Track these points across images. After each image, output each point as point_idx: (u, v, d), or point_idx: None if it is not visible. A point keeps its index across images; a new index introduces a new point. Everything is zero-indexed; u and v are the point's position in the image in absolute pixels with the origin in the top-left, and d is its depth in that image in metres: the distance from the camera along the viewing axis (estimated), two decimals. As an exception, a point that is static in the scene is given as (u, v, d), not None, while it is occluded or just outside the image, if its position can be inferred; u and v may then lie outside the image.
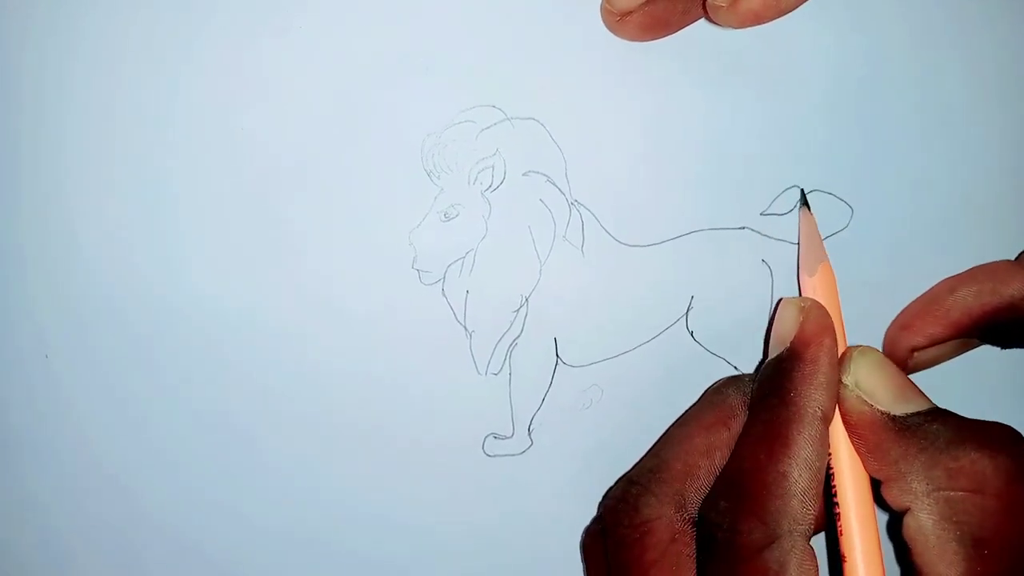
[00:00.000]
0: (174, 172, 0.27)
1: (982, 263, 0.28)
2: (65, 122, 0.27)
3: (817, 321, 0.24)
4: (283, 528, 0.29)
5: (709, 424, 0.25)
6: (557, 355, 0.28)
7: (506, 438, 0.28)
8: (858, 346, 0.25)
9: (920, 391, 0.24)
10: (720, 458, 0.24)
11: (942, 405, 0.29)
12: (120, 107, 0.27)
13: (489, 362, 0.28)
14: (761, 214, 0.28)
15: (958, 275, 0.28)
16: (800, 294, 0.27)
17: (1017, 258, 0.28)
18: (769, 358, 0.25)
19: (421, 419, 0.28)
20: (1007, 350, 0.29)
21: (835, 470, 0.24)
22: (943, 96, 0.28)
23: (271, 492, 0.28)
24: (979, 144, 0.28)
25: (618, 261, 0.28)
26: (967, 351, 0.28)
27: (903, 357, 0.28)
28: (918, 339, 0.27)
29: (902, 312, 0.28)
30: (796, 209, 0.28)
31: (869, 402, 0.23)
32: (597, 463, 0.28)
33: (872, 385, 0.24)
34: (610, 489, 0.26)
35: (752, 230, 0.28)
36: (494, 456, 0.28)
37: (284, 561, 0.29)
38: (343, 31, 0.26)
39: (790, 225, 0.28)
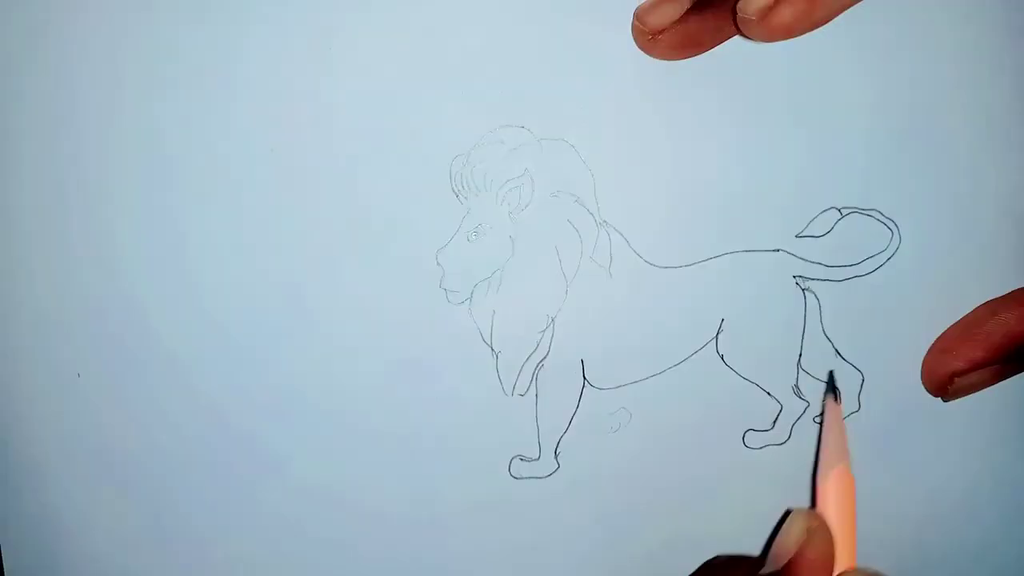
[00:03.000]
0: (201, 190, 0.27)
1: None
2: (106, 143, 0.27)
3: (818, 550, 0.24)
4: (304, 549, 0.29)
5: None
6: (584, 377, 0.28)
7: (533, 460, 0.28)
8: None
9: None
10: None
11: (978, 433, 0.28)
12: (157, 133, 0.27)
13: (516, 383, 0.27)
14: (797, 236, 0.27)
15: (1001, 298, 0.27)
16: (814, 493, 0.27)
17: (1065, 281, 0.27)
18: (765, 570, 0.25)
19: (447, 440, 0.28)
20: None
21: None
22: (989, 114, 0.27)
23: (293, 512, 0.28)
24: (1026, 164, 0.27)
25: (646, 282, 0.27)
26: (1009, 377, 0.27)
27: (943, 383, 0.27)
28: (958, 363, 0.27)
29: (942, 336, 0.27)
30: (833, 231, 0.27)
31: None
32: (624, 487, 0.28)
33: None
34: None
35: (787, 252, 0.27)
36: (520, 478, 0.28)
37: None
38: (373, 51, 0.27)
39: (827, 248, 0.27)
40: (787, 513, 0.26)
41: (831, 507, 0.25)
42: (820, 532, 0.24)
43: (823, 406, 0.27)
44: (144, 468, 0.28)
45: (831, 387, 0.27)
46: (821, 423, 0.27)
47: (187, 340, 0.28)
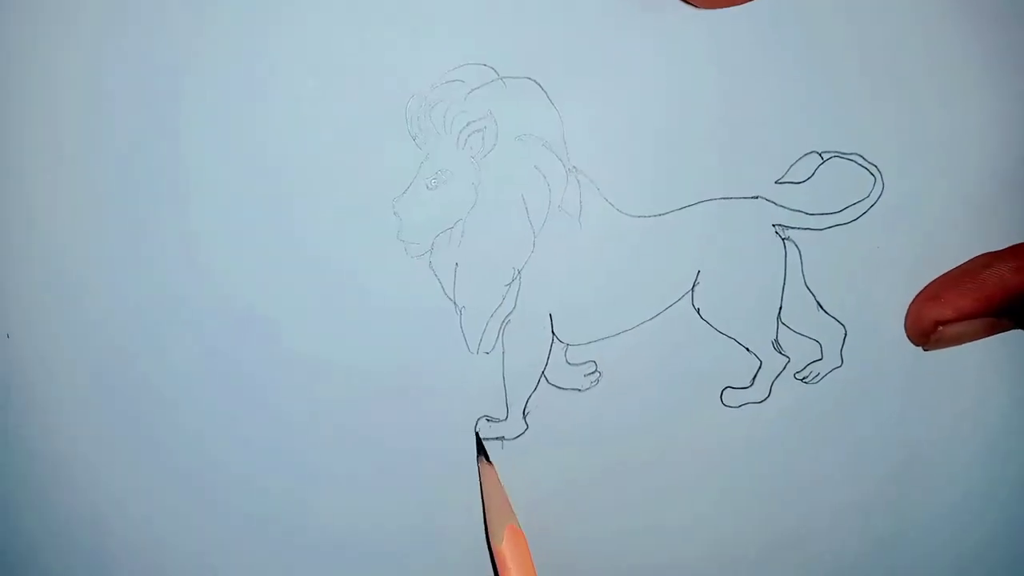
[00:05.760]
0: (153, 148, 0.26)
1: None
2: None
3: None
4: (262, 517, 0.27)
5: None
6: (553, 332, 0.26)
7: (500, 421, 0.27)
8: None
9: None
10: None
11: (962, 392, 0.27)
12: (105, 94, 0.25)
13: (481, 340, 0.26)
14: (776, 182, 0.26)
15: (999, 250, 0.26)
16: (492, 562, 0.26)
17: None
18: None
19: (409, 401, 0.26)
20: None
21: None
22: (982, 58, 0.26)
23: (249, 480, 0.27)
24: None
25: (618, 232, 0.26)
26: (995, 333, 0.26)
27: (927, 330, 0.26)
28: (946, 312, 0.26)
29: (932, 283, 0.26)
30: (814, 176, 0.26)
31: None
32: (595, 449, 0.27)
33: None
34: None
35: (766, 200, 0.26)
36: (487, 440, 0.27)
37: (263, 550, 0.28)
38: (323, -15, 0.25)
39: (808, 194, 0.26)
40: None
41: (510, 568, 0.25)
42: None
43: (478, 467, 0.27)
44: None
45: (480, 449, 0.27)
46: (480, 484, 0.27)
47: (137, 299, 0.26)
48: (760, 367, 0.27)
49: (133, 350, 0.27)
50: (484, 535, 0.27)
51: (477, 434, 0.27)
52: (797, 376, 0.27)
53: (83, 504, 0.28)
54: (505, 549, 0.25)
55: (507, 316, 0.26)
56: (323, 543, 0.28)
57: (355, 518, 0.27)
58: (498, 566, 0.26)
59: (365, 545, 0.28)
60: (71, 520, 0.28)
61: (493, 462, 0.26)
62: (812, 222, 0.26)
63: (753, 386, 0.27)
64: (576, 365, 0.27)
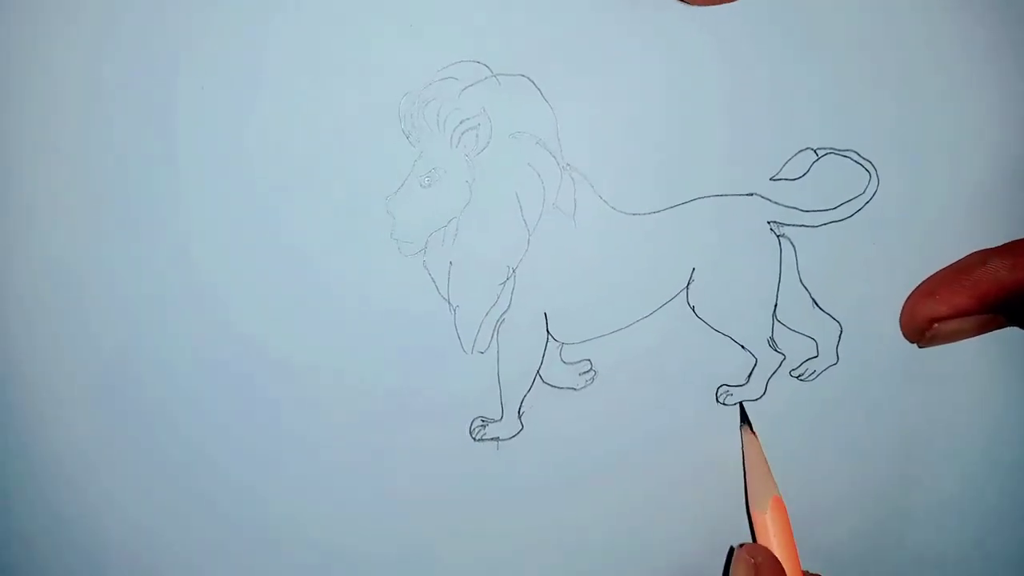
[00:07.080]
0: (149, 148, 0.25)
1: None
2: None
3: None
4: (258, 516, 0.27)
5: None
6: (548, 331, 0.26)
7: (495, 421, 0.27)
8: None
9: None
10: None
11: (959, 388, 0.27)
12: (104, 94, 0.25)
13: (475, 339, 0.26)
14: (771, 179, 0.26)
15: (993, 248, 0.26)
16: (751, 527, 0.26)
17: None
18: None
19: (403, 401, 0.26)
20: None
21: None
22: (978, 55, 0.26)
23: (245, 480, 0.27)
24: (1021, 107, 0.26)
25: (613, 230, 0.26)
26: (990, 331, 0.26)
27: (921, 327, 0.26)
28: (941, 309, 0.26)
29: (927, 279, 0.26)
30: (808, 173, 0.26)
31: None
32: (591, 448, 0.27)
33: None
34: None
35: (761, 196, 0.26)
36: (482, 441, 0.27)
37: (259, 549, 0.27)
38: (314, -19, 0.25)
39: (803, 191, 0.26)
40: (732, 551, 0.26)
41: (772, 537, 0.25)
42: (767, 566, 0.24)
43: (741, 438, 0.27)
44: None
45: (744, 418, 0.27)
46: (743, 452, 0.27)
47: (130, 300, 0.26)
48: (756, 365, 0.27)
49: (131, 351, 0.26)
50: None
51: (741, 404, 0.27)
52: (793, 373, 0.27)
53: (81, 504, 0.27)
54: (768, 518, 0.25)
55: (502, 315, 0.26)
56: (318, 541, 0.27)
57: (350, 517, 0.27)
58: (757, 533, 0.26)
59: (360, 543, 0.27)
60: (69, 520, 0.28)
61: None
62: (807, 219, 0.26)
63: (749, 384, 0.27)
64: (571, 364, 0.27)
